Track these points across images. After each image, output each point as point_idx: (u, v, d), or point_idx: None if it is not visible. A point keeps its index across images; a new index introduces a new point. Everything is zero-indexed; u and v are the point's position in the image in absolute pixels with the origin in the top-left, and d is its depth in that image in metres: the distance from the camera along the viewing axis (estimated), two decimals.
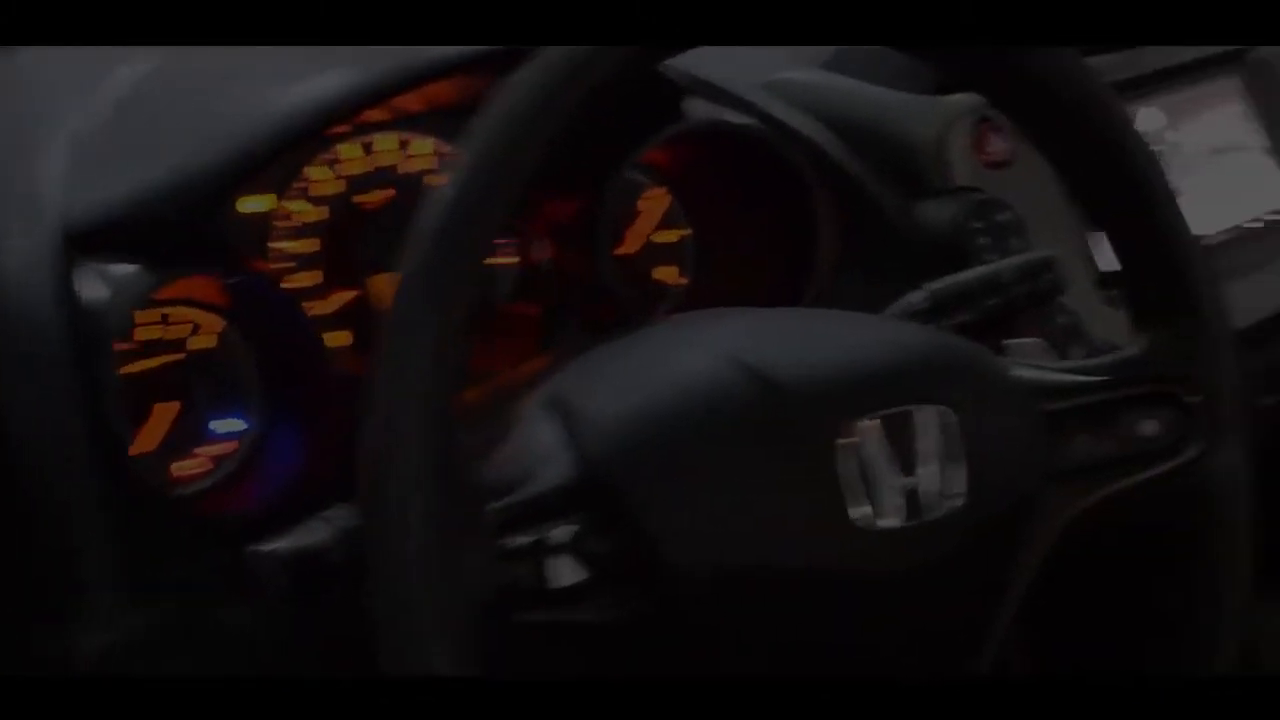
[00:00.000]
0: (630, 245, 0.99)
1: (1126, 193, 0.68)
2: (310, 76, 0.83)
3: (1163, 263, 0.69)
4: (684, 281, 1.00)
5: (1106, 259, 0.94)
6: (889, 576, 0.61)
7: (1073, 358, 0.92)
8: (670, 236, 1.00)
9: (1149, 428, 0.68)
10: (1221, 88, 1.09)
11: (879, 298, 0.82)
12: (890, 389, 0.61)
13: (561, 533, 0.57)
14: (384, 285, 0.86)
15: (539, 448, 0.60)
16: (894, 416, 0.60)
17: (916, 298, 0.79)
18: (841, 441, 0.59)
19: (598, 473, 0.58)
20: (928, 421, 0.61)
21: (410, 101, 0.86)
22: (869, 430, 0.60)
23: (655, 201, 0.98)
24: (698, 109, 0.94)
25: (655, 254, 0.99)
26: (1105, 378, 0.69)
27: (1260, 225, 1.07)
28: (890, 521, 0.60)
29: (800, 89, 0.98)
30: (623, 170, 0.90)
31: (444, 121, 0.90)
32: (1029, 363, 0.70)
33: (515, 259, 0.95)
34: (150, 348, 0.78)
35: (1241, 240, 1.05)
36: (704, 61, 0.98)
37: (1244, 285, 1.03)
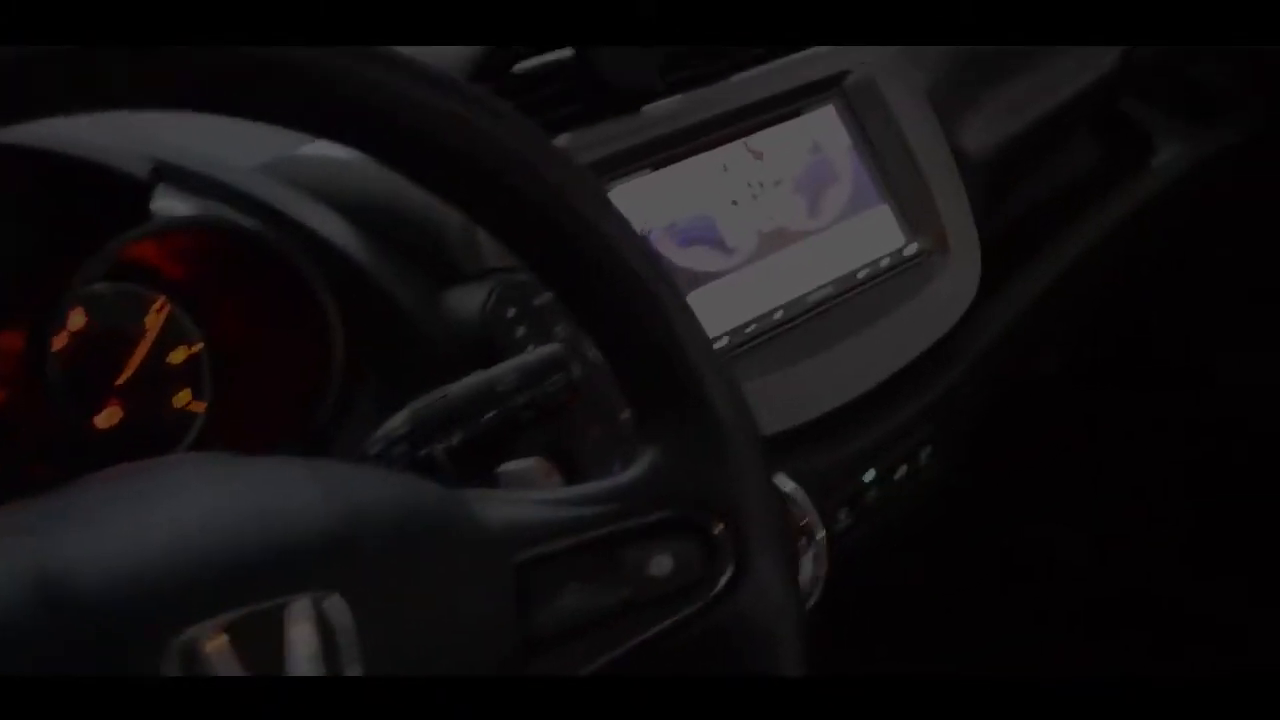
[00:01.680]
0: (133, 369, 0.84)
1: (598, 280, 0.56)
2: None
3: (661, 365, 0.57)
4: (202, 407, 0.85)
5: None
6: None
7: None
8: (180, 355, 0.85)
9: (661, 565, 0.56)
10: (822, 118, 0.98)
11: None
12: (243, 580, 0.47)
13: None
14: None
15: None
16: (254, 618, 0.46)
17: (397, 421, 0.65)
18: (173, 661, 0.45)
19: None
20: (302, 616, 0.47)
21: None
22: (213, 643, 0.45)
23: (161, 314, 0.84)
24: (173, 204, 0.80)
25: (169, 376, 0.85)
26: (602, 508, 0.56)
27: (868, 273, 0.96)
28: None
29: (307, 168, 0.85)
30: (73, 287, 0.75)
31: None
32: (512, 497, 0.57)
33: None
34: None
35: (850, 293, 0.94)
36: (184, 146, 0.84)
37: (854, 344, 0.92)
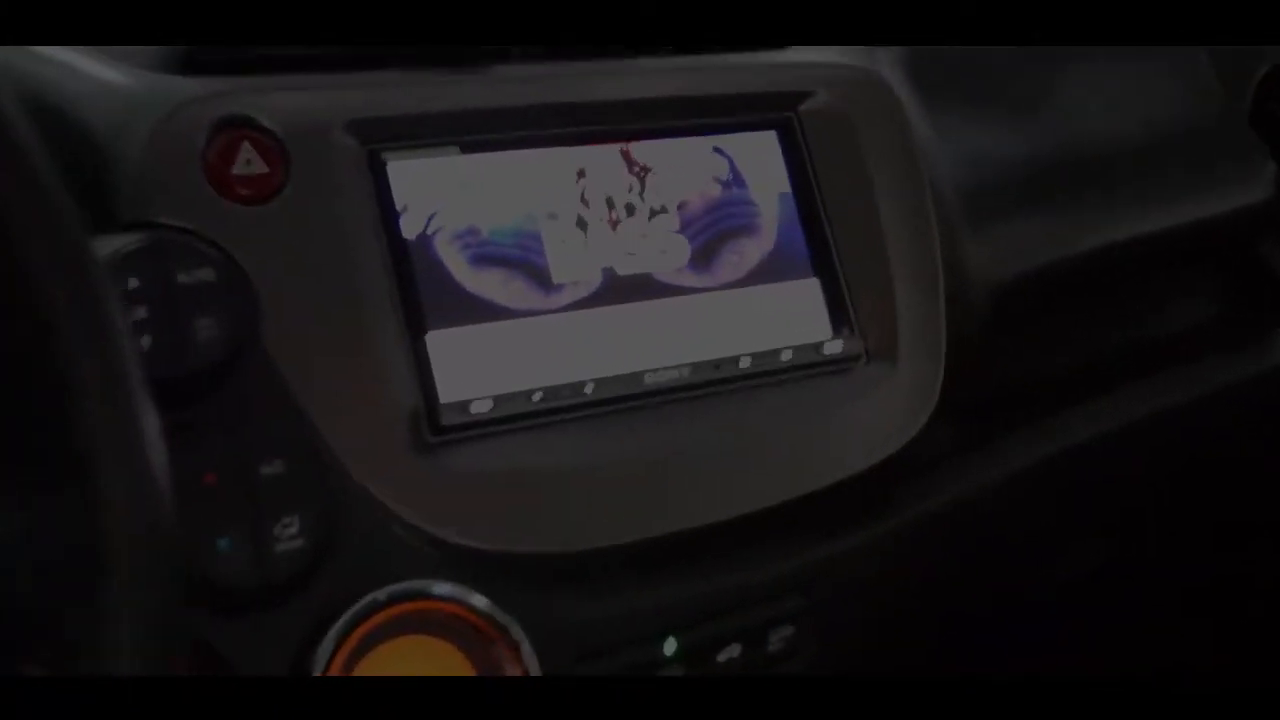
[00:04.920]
0: None
1: None
2: None
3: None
4: None
5: None
6: None
7: None
8: None
9: None
10: (754, 144, 0.73)
11: None
12: None
13: None
14: None
15: None
16: None
17: None
18: None
19: None
20: None
21: None
22: None
23: None
24: None
25: None
26: None
27: (753, 366, 0.70)
28: None
29: None
30: None
31: None
32: None
33: None
34: None
35: (715, 388, 0.68)
36: None
37: (700, 458, 0.67)
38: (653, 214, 0.72)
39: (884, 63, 0.84)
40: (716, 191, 0.74)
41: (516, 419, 0.65)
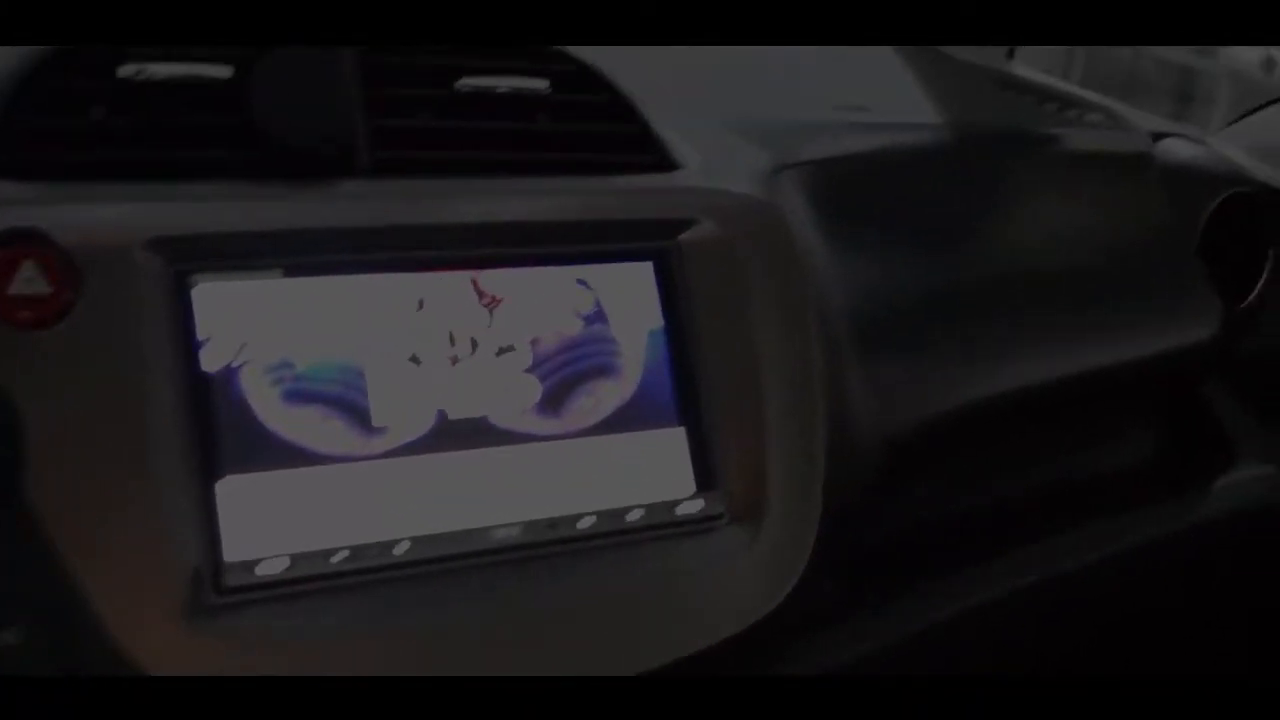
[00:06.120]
0: None
1: None
2: None
3: None
4: None
5: None
6: None
7: None
8: None
9: None
10: (628, 275, 0.67)
11: None
12: None
13: None
14: None
15: None
16: None
17: None
18: None
19: None
20: None
21: None
22: None
23: None
24: None
25: None
26: None
27: (595, 527, 0.64)
28: None
29: None
30: None
31: None
32: None
33: None
34: None
35: (554, 548, 0.62)
36: None
37: (527, 629, 0.61)
38: (500, 351, 0.66)
39: (786, 187, 0.78)
40: (576, 327, 0.68)
41: (313, 580, 0.59)
